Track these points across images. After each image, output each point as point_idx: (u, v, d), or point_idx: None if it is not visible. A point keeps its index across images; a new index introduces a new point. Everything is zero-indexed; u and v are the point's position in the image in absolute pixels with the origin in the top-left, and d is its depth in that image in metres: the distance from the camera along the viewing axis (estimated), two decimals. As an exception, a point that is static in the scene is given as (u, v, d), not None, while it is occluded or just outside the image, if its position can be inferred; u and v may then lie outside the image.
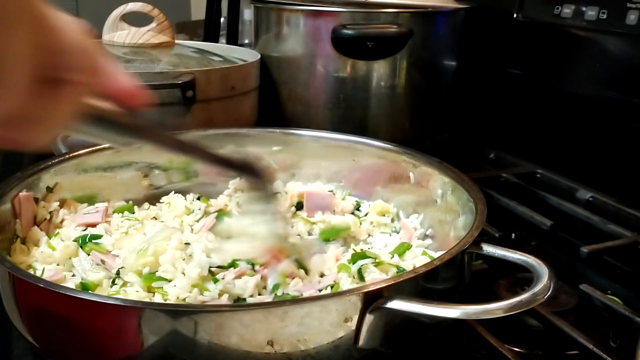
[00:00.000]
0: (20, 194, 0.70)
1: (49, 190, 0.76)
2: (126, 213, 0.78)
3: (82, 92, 0.39)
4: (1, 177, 0.73)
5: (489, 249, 0.60)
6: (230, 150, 0.66)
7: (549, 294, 0.50)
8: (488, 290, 0.71)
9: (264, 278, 0.63)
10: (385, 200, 0.84)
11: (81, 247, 0.68)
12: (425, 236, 0.77)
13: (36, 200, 0.73)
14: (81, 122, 0.42)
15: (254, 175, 0.63)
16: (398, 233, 0.78)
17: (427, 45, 1.07)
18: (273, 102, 1.14)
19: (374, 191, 0.86)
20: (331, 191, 0.86)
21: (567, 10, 1.01)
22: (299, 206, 0.83)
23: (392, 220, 0.81)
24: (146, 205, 0.83)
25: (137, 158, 0.84)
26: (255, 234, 0.66)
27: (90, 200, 0.80)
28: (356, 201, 0.84)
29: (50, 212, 0.74)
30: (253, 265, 0.66)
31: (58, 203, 0.76)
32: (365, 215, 0.81)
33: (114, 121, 0.45)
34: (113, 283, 0.63)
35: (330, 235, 0.76)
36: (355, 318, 0.50)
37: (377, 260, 0.66)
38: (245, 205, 0.72)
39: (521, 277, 0.72)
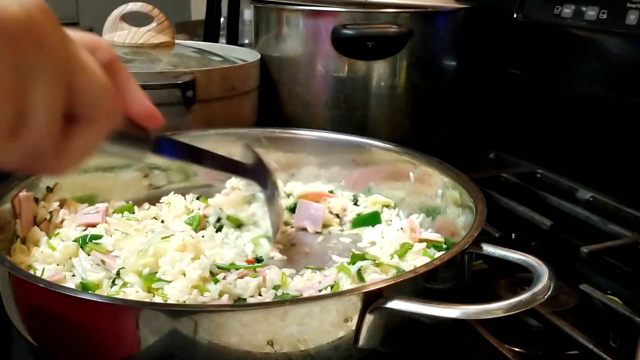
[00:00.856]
0: (20, 194, 0.70)
1: (49, 190, 0.76)
2: (126, 213, 0.78)
3: (106, 128, 0.41)
4: (1, 177, 0.73)
5: (489, 248, 0.60)
6: (240, 150, 0.71)
7: (549, 293, 0.50)
8: (488, 290, 0.71)
9: (265, 279, 0.63)
10: (385, 200, 0.84)
11: (81, 247, 0.68)
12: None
13: (36, 200, 0.73)
14: (102, 145, 0.44)
15: (261, 181, 0.72)
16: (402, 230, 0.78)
17: (427, 45, 1.07)
18: (273, 102, 1.14)
19: (374, 191, 0.86)
20: (331, 191, 0.86)
21: (567, 10, 1.01)
22: (293, 209, 0.83)
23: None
24: (146, 205, 0.83)
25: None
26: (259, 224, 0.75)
27: (90, 200, 0.80)
28: (353, 195, 0.86)
29: (50, 212, 0.74)
30: (258, 261, 0.68)
31: (58, 203, 0.76)
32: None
33: (131, 137, 0.48)
34: (113, 283, 0.63)
35: (361, 224, 0.81)
36: (355, 318, 0.50)
37: (376, 262, 0.66)
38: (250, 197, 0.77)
39: (521, 277, 0.72)
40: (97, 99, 0.39)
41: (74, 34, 0.39)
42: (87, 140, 0.40)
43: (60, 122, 0.38)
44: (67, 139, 0.39)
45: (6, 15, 0.33)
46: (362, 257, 0.66)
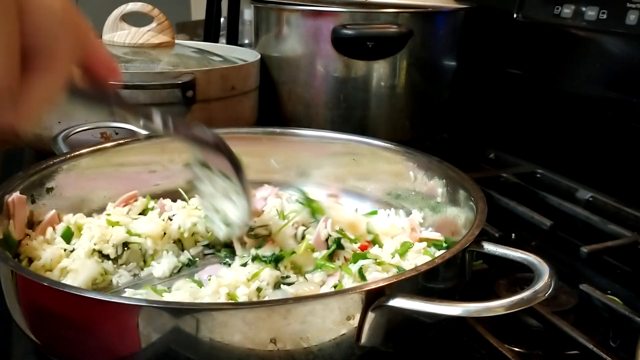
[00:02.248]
0: (14, 194, 0.68)
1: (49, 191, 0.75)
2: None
3: (65, 71, 0.39)
4: (1, 177, 0.72)
5: (489, 247, 0.60)
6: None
7: (549, 291, 0.50)
8: (488, 290, 0.71)
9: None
10: (385, 200, 0.84)
11: None
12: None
13: (34, 201, 0.72)
14: (65, 96, 0.43)
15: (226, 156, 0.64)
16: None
17: (427, 45, 1.08)
18: (273, 102, 1.15)
19: (374, 191, 0.86)
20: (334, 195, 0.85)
21: (567, 10, 1.01)
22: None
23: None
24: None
25: (139, 158, 0.84)
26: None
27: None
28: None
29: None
30: None
31: (54, 211, 0.74)
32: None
33: (94, 94, 0.47)
34: None
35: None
36: (358, 316, 0.50)
37: (377, 261, 0.66)
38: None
39: (521, 277, 0.72)
40: (53, 31, 0.37)
41: None
42: (46, 86, 0.38)
43: (18, 63, 0.36)
44: (25, 85, 0.37)
45: None
46: (364, 256, 0.66)
